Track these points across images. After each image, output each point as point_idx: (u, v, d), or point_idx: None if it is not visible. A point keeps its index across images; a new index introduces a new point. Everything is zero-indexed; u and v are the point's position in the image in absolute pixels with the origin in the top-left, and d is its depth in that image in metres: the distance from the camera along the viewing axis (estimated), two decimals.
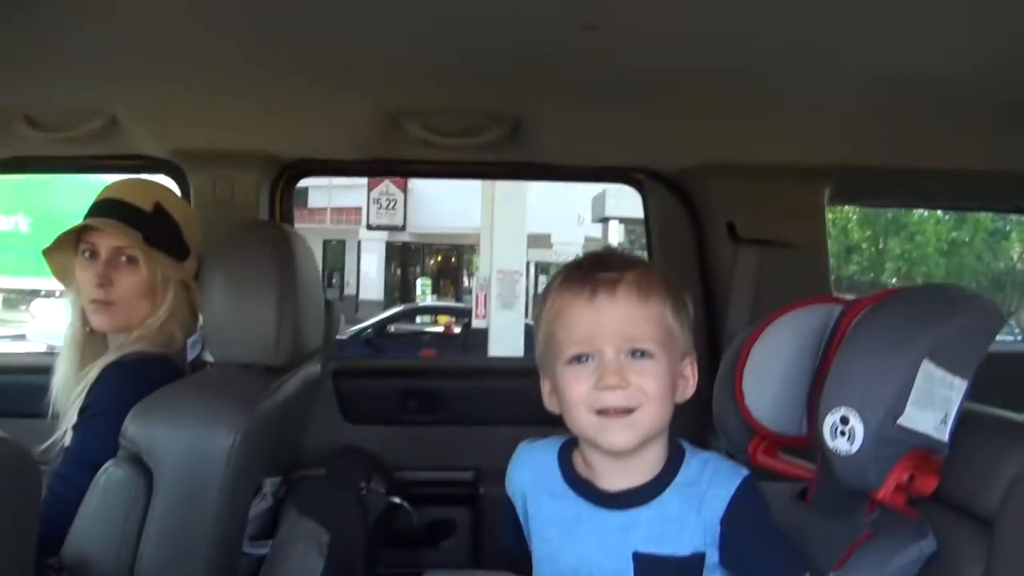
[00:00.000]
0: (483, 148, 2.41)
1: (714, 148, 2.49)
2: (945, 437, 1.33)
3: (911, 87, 1.94)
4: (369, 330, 13.88)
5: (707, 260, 2.63)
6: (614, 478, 1.34)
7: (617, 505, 1.33)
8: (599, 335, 1.27)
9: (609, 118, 2.31)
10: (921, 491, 1.34)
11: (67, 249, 2.00)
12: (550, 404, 1.37)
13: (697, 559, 1.30)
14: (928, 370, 1.27)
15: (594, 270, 1.31)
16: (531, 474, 1.43)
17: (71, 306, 2.01)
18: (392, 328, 14.47)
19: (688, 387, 1.36)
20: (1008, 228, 18.53)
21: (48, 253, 2.01)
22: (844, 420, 1.28)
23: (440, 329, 15.69)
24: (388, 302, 20.22)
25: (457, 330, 14.60)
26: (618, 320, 1.27)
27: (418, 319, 16.98)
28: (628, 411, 1.27)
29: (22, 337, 15.07)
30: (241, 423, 1.70)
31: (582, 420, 1.30)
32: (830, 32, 1.69)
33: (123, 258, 1.94)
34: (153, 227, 1.96)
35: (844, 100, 2.06)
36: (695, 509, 1.30)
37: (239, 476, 1.72)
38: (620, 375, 1.26)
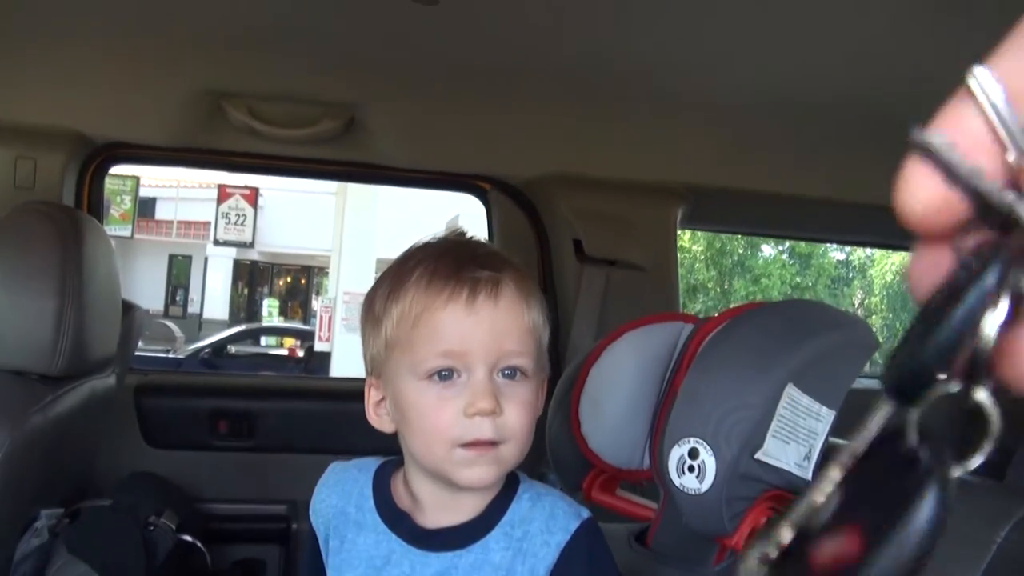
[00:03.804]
0: (314, 142, 2.24)
1: (563, 158, 2.38)
2: (809, 475, 1.17)
3: (776, 111, 1.91)
4: (208, 349, 13.27)
5: (552, 278, 2.48)
6: (438, 513, 1.09)
7: (433, 547, 1.08)
8: (474, 349, 1.02)
9: (451, 119, 2.20)
10: None
11: None
12: (378, 420, 1.11)
13: None
14: (793, 397, 1.11)
15: (469, 266, 1.03)
16: (339, 500, 1.16)
17: None
18: (233, 349, 13.90)
19: (538, 410, 1.13)
20: (851, 276, 19.20)
21: None
22: (693, 453, 1.10)
23: (285, 352, 15.18)
24: (233, 322, 19.47)
25: (301, 353, 14.11)
26: (498, 331, 1.03)
27: (264, 341, 16.39)
28: (494, 444, 1.03)
29: None
30: (5, 440, 1.47)
31: (439, 451, 1.03)
32: (699, 47, 1.58)
33: None
34: None
35: (703, 123, 1.96)
36: (521, 555, 1.06)
37: (3, 505, 1.51)
38: (496, 399, 1.02)
